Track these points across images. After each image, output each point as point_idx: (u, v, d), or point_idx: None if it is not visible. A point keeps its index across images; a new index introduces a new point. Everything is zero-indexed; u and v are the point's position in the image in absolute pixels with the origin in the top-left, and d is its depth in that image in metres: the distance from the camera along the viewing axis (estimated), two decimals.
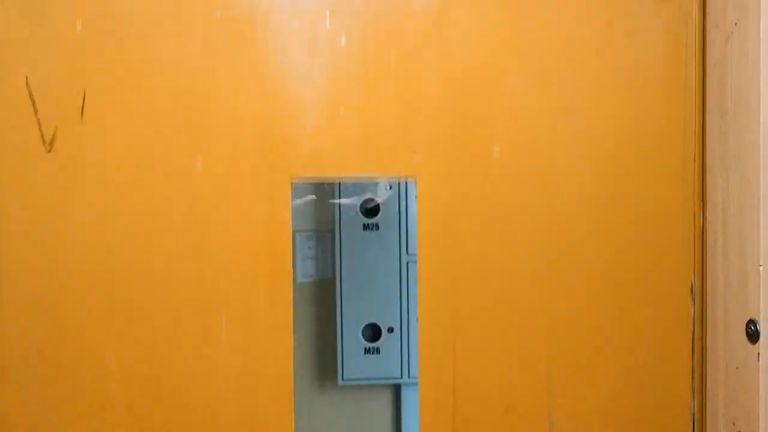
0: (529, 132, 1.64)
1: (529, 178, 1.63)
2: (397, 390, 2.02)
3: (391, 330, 1.93)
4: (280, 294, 1.56)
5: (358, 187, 1.95)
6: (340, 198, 1.91)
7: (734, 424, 1.58)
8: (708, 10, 1.72)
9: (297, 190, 1.60)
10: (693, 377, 1.72)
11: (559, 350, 1.66)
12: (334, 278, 1.94)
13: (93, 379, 1.52)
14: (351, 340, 1.94)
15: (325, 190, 1.97)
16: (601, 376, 1.70)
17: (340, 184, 1.92)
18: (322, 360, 1.98)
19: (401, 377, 1.95)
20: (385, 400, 2.03)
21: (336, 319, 1.94)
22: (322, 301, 1.97)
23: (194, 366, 1.54)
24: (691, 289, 1.71)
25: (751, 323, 1.49)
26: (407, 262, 1.95)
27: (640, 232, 1.74)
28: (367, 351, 1.94)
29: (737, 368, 1.54)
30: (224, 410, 1.57)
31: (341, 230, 1.94)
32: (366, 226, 1.93)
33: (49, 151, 1.48)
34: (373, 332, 1.94)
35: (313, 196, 1.88)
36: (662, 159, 1.75)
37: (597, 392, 1.67)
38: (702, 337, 1.72)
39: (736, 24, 1.59)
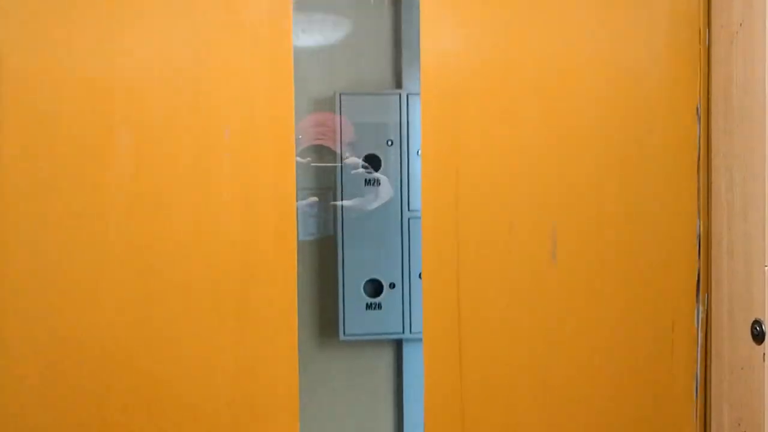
0: None
1: None
2: (398, 345, 2.02)
3: (392, 286, 1.93)
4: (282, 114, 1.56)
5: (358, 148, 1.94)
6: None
7: (739, 425, 1.58)
8: (713, 11, 1.72)
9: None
10: (697, 377, 1.71)
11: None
12: (335, 235, 1.94)
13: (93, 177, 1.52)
14: (352, 296, 1.93)
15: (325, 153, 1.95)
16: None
17: (341, 151, 1.91)
18: (324, 316, 1.98)
19: (403, 333, 1.95)
20: (387, 355, 2.03)
21: (338, 275, 1.93)
22: (323, 258, 1.97)
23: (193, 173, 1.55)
24: (696, 288, 1.71)
25: (757, 323, 1.49)
26: (408, 218, 1.94)
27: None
28: (368, 307, 1.93)
29: (742, 368, 1.56)
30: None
31: (343, 187, 1.92)
32: (368, 182, 1.92)
33: None
34: (374, 288, 1.93)
35: (315, 198, 1.87)
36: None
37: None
38: (706, 337, 1.71)
39: (741, 24, 1.58)
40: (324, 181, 1.94)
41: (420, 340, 1.69)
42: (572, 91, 1.68)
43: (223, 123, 1.56)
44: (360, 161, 1.83)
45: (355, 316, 1.93)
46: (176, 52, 1.55)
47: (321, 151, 1.89)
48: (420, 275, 1.74)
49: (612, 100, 1.74)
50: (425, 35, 1.61)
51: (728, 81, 1.63)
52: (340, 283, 1.91)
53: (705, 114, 1.76)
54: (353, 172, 1.85)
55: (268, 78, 1.57)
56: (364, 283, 1.92)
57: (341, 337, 1.92)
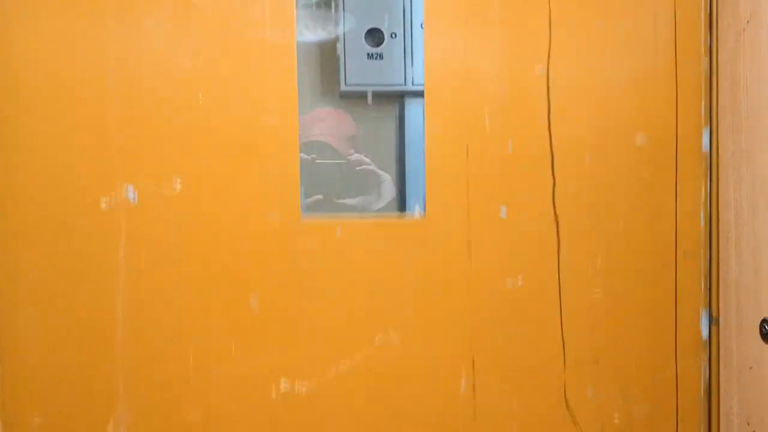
0: None
1: None
2: (400, 98, 1.99)
3: (394, 35, 1.90)
4: None
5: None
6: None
7: (749, 424, 1.53)
8: (720, 8, 1.63)
9: None
10: (707, 377, 1.69)
11: None
12: None
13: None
14: (353, 45, 1.91)
15: None
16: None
17: None
18: (325, 66, 1.95)
19: (405, 84, 1.92)
20: (389, 106, 2.01)
21: (339, 22, 1.91)
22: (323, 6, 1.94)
23: None
24: (704, 287, 1.69)
25: (765, 323, 1.45)
26: None
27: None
28: (369, 56, 1.90)
29: (751, 368, 1.51)
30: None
31: None
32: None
33: None
34: (375, 37, 1.90)
35: (320, 196, 1.85)
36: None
37: None
38: (710, 336, 1.68)
39: (748, 22, 1.50)
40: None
41: (421, 93, 1.69)
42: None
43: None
44: (363, 157, 1.82)
45: (357, 66, 1.90)
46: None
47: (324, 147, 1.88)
48: (422, 25, 1.72)
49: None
50: None
51: (735, 79, 1.57)
52: (341, 32, 1.88)
53: (709, 112, 1.72)
54: (358, 168, 1.83)
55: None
56: (365, 32, 1.89)
57: (342, 87, 1.89)
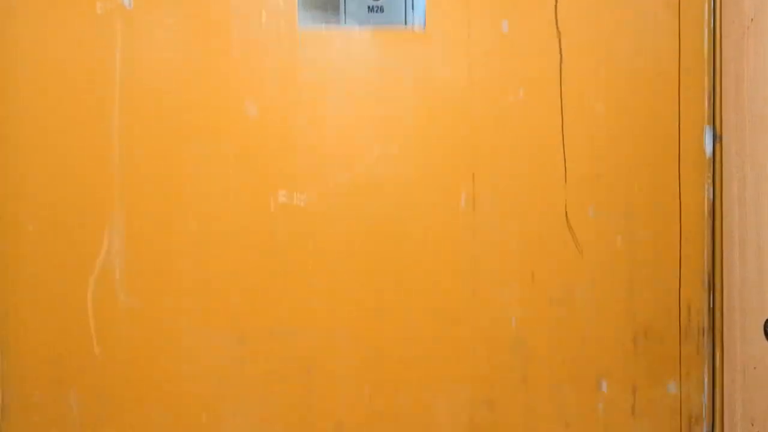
0: None
1: None
2: None
3: None
4: None
5: None
6: None
7: (753, 425, 1.49)
8: (723, 5, 1.56)
9: None
10: (710, 377, 1.70)
11: None
12: None
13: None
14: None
15: None
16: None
17: None
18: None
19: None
20: None
21: None
22: None
23: None
24: (707, 286, 1.70)
25: None
26: None
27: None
28: (370, 9, 1.91)
29: (755, 368, 1.45)
30: None
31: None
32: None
33: None
34: None
35: None
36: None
37: None
38: (714, 335, 1.68)
39: (752, 19, 1.44)
40: None
41: None
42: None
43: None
44: None
45: (357, 21, 1.90)
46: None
47: None
48: None
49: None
50: None
51: (739, 77, 1.49)
52: None
53: (713, 110, 1.70)
54: None
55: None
56: None
57: None
